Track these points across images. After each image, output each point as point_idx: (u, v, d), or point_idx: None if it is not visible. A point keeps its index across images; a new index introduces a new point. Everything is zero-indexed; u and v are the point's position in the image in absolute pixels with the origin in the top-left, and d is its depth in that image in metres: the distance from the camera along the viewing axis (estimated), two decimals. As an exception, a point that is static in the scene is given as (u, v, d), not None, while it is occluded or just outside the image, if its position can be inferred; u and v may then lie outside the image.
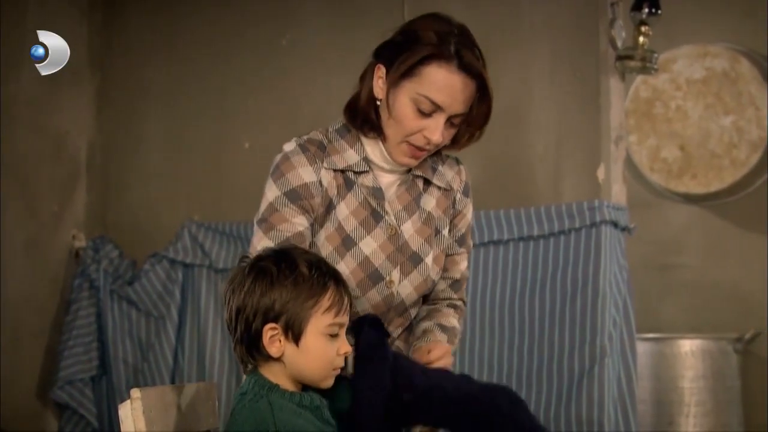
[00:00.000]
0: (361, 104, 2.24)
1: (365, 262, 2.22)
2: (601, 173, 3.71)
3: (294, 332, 1.92)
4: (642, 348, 4.29)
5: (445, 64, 2.15)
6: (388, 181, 2.28)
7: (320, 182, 2.22)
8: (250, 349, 1.95)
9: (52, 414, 4.32)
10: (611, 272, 3.62)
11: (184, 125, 4.41)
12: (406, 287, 2.25)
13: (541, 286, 3.69)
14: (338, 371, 1.98)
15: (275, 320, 1.92)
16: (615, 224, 3.67)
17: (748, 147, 4.80)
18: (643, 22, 3.79)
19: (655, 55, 3.80)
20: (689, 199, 4.96)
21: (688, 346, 4.58)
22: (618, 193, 3.78)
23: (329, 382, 1.97)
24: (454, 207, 2.35)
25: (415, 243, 2.27)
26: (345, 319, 1.96)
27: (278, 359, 1.94)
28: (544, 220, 3.70)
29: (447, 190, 2.34)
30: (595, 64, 3.73)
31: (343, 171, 2.24)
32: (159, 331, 4.20)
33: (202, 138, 4.36)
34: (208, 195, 4.31)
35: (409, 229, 2.26)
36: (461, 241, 2.37)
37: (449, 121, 2.20)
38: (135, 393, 1.91)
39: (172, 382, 4.13)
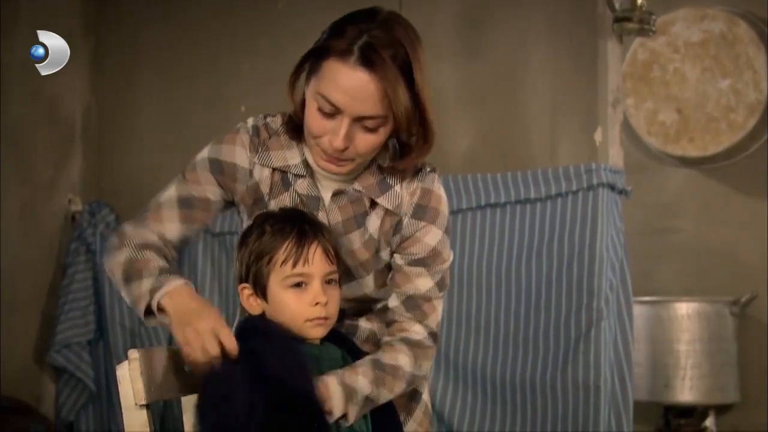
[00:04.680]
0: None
1: None
2: (598, 136, 3.70)
3: (260, 288, 1.98)
4: (638, 311, 4.30)
5: (341, 59, 1.93)
6: (330, 189, 2.09)
7: (251, 172, 2.09)
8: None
9: (49, 378, 4.33)
10: (608, 235, 3.62)
11: (180, 89, 4.39)
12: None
13: (538, 249, 3.69)
14: (321, 321, 1.97)
15: (246, 279, 2.00)
16: (612, 187, 3.66)
17: (745, 110, 4.79)
18: (641, -16, 3.77)
19: (653, 17, 3.78)
20: (686, 162, 4.96)
21: (685, 309, 4.60)
22: (615, 156, 3.77)
23: (314, 332, 1.98)
24: (399, 231, 2.08)
25: (350, 261, 2.09)
26: (309, 269, 1.95)
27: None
28: (541, 183, 3.70)
29: (393, 212, 2.08)
30: (592, 26, 3.71)
31: (281, 170, 2.09)
32: (156, 295, 4.21)
33: (197, 101, 4.34)
34: (204, 159, 4.30)
35: (344, 245, 2.08)
36: (416, 263, 2.09)
37: (361, 125, 1.96)
38: (133, 354, 1.91)
39: (169, 345, 4.14)
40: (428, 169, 2.12)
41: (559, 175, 3.67)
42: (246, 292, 1.99)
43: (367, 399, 1.98)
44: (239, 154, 2.10)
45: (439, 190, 2.12)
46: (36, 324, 4.33)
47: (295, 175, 2.09)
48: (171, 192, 2.13)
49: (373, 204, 2.09)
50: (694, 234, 4.96)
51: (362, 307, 2.18)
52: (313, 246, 1.96)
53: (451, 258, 2.15)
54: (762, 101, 4.76)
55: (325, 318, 1.98)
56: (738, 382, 4.65)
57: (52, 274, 4.38)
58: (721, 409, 4.72)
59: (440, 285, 2.11)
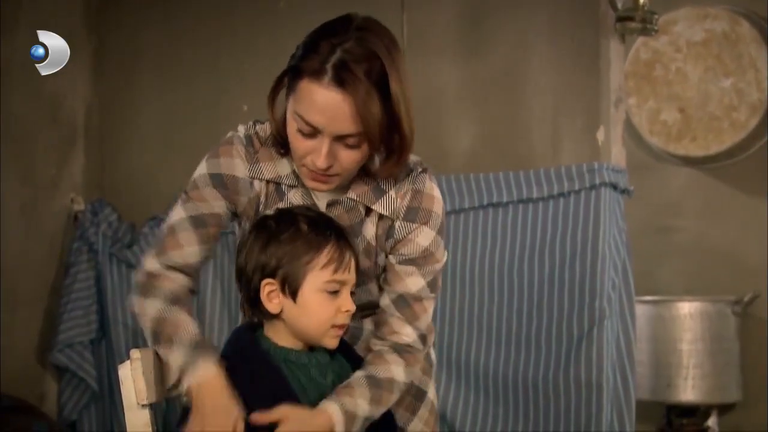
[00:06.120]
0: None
1: None
2: (600, 136, 3.70)
3: (291, 288, 1.93)
4: (641, 310, 4.30)
5: (315, 79, 1.88)
6: (324, 198, 2.06)
7: (252, 184, 2.07)
8: (254, 308, 1.98)
9: (51, 377, 4.33)
10: (610, 235, 3.62)
11: (182, 88, 4.39)
12: None
13: (541, 249, 3.69)
14: (340, 330, 1.97)
15: (272, 276, 1.94)
16: (614, 186, 3.66)
17: (747, 109, 4.78)
18: (643, -17, 3.76)
19: (656, 16, 3.77)
20: (688, 161, 4.96)
21: (687, 308, 4.59)
22: (617, 155, 3.77)
23: (331, 342, 1.97)
24: (392, 235, 2.07)
25: None
26: (346, 276, 1.94)
27: (279, 317, 1.96)
28: (544, 182, 3.69)
29: (386, 217, 2.07)
30: (594, 26, 3.71)
31: (275, 182, 2.07)
32: (158, 295, 4.20)
33: (199, 100, 4.34)
34: (206, 158, 4.30)
35: None
36: (408, 262, 2.07)
37: (343, 142, 1.92)
38: (135, 354, 1.91)
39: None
40: (419, 170, 2.09)
41: (561, 174, 3.67)
42: (269, 288, 1.94)
43: (366, 419, 1.98)
44: (238, 167, 2.07)
45: (432, 190, 2.09)
46: (38, 323, 4.33)
47: (288, 185, 2.07)
48: (180, 214, 2.07)
49: (368, 211, 2.07)
50: (696, 233, 4.96)
51: (365, 312, 2.17)
52: (350, 253, 1.96)
53: (445, 259, 2.12)
54: (764, 100, 4.75)
55: (345, 327, 1.98)
56: (740, 382, 4.65)
57: (55, 274, 4.38)
58: (723, 409, 4.71)
59: (432, 285, 2.09)
